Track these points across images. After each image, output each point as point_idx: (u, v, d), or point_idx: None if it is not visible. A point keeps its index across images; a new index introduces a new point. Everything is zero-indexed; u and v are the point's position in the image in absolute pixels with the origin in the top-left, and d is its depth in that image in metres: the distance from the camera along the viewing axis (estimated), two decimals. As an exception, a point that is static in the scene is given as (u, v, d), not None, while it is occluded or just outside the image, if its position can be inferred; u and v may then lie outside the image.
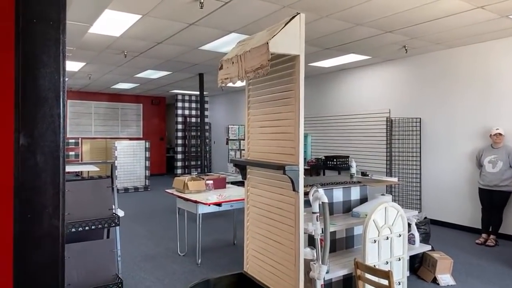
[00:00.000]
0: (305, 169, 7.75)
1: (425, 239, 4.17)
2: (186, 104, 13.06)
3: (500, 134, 5.24)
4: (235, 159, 1.97)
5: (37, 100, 1.39)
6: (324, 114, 8.68)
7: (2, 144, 1.35)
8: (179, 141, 12.89)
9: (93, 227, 2.52)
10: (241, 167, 1.89)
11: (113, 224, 2.59)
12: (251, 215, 1.85)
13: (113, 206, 2.69)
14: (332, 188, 3.91)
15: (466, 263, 4.40)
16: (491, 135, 5.35)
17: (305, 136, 8.75)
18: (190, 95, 13.05)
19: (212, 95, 13.24)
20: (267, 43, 1.48)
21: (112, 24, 4.91)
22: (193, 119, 13.07)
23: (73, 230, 2.44)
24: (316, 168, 8.12)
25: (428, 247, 4.02)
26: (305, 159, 8.21)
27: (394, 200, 5.26)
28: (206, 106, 13.44)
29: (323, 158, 7.96)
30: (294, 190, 1.50)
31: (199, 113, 12.58)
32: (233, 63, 1.84)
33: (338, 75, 8.40)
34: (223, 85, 1.94)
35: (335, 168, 7.59)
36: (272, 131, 1.68)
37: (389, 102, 7.28)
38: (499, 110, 5.60)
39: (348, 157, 7.72)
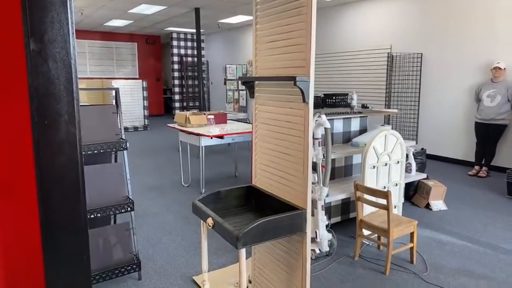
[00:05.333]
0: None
1: (421, 169, 4.33)
2: (182, 43, 12.69)
3: (499, 68, 5.20)
4: (242, 76, 1.99)
5: (43, 4, 1.37)
6: (324, 51, 8.51)
7: (13, 49, 1.35)
8: (176, 82, 12.72)
9: (101, 150, 2.58)
10: (249, 84, 1.91)
11: (121, 148, 2.66)
12: (259, 131, 1.90)
13: (120, 131, 2.74)
14: (333, 119, 3.97)
15: (458, 192, 4.61)
16: (491, 69, 5.32)
17: (304, 74, 8.64)
18: (185, 33, 12.64)
19: (209, 33, 12.84)
20: None
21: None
22: (189, 59, 12.78)
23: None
24: (315, 106, 8.12)
25: (424, 176, 4.17)
26: (304, 97, 8.17)
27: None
28: (202, 45, 13.08)
29: (322, 96, 7.93)
30: (304, 101, 1.53)
31: (195, 53, 12.28)
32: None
33: (339, 10, 8.11)
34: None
35: (334, 105, 7.58)
36: (281, 45, 1.67)
37: (391, 37, 7.11)
38: (501, 44, 5.52)
39: (347, 94, 7.70)
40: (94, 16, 9.33)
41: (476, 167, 5.50)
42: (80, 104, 1.67)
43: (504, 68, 5.25)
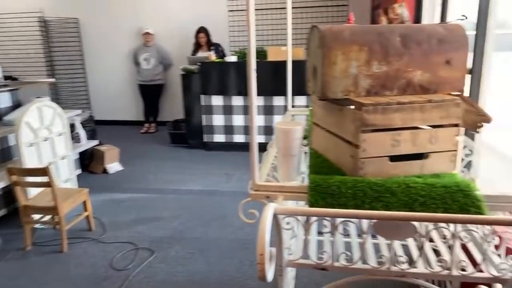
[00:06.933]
0: None
1: (92, 136, 4.33)
2: None
3: (149, 33, 5.81)
4: None
5: None
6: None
7: None
8: None
9: None
10: None
11: None
12: None
13: None
14: (-31, 97, 3.26)
15: (132, 150, 4.98)
16: (142, 34, 5.86)
17: None
18: None
19: None
20: None
21: None
22: None
23: None
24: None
25: (96, 142, 4.21)
26: None
27: (60, 104, 5.00)
28: None
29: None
30: None
31: None
32: None
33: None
34: None
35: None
36: None
37: (41, 0, 6.42)
38: (148, 11, 6.13)
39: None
40: None
41: (146, 125, 6.11)
42: None
43: (153, 34, 5.89)
